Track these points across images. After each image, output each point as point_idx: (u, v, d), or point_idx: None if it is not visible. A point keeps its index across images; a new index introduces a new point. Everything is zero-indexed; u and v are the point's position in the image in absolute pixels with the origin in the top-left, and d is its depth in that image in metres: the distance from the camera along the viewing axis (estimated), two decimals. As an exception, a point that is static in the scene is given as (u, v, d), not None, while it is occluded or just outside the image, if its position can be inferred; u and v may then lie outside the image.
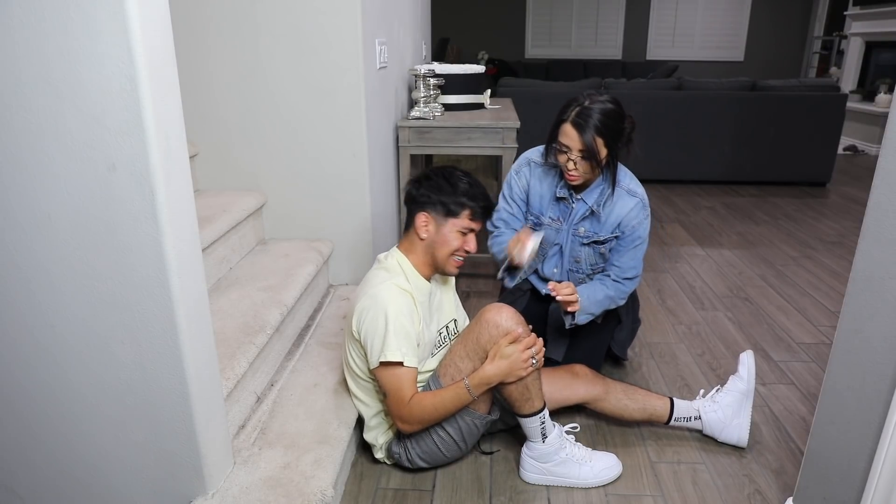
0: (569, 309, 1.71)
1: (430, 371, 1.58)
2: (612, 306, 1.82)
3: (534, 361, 1.46)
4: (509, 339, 1.45)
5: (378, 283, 1.49)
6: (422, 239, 1.53)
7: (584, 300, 1.73)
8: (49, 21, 0.97)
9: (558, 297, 1.65)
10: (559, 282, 1.85)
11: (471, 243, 1.54)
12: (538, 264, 1.92)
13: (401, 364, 1.42)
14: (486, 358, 1.46)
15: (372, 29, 2.22)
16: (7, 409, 1.24)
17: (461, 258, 1.55)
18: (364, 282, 1.56)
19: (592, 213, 1.76)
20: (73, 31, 0.97)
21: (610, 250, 1.80)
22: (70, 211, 1.07)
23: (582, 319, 1.76)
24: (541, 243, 1.83)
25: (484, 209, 1.53)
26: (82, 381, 1.20)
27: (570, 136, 1.63)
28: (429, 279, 1.58)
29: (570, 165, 1.66)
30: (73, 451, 1.27)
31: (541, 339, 1.51)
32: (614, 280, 1.80)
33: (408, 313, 1.45)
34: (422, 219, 1.52)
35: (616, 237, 1.78)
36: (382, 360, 1.42)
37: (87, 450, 1.26)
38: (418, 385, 1.54)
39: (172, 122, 1.08)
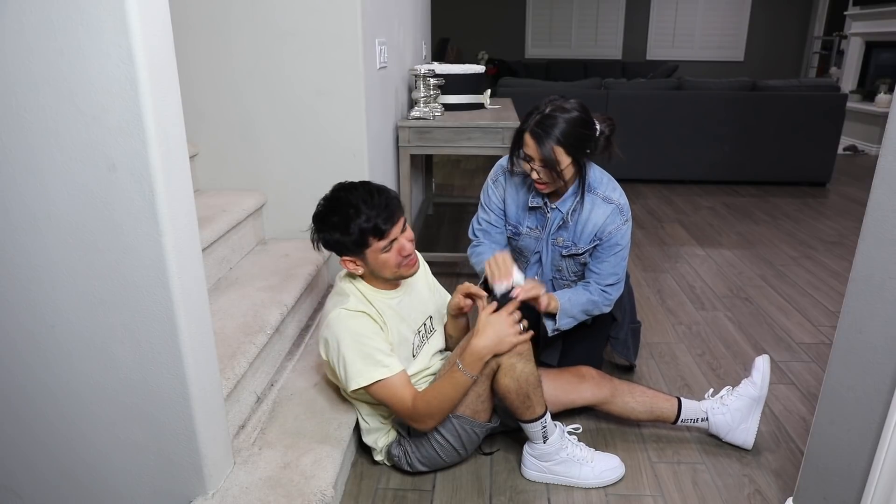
0: (540, 306, 1.64)
1: (419, 373, 1.58)
2: (597, 312, 1.77)
3: (521, 327, 1.43)
4: (489, 312, 1.43)
5: (330, 310, 1.47)
6: (360, 275, 1.50)
7: (564, 302, 1.70)
8: (49, 21, 0.97)
9: (521, 297, 1.54)
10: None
11: (404, 248, 1.44)
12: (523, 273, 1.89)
13: (376, 382, 1.41)
14: (486, 367, 1.44)
15: (372, 29, 2.22)
16: (6, 409, 1.24)
17: (408, 261, 1.47)
18: (325, 307, 1.54)
19: (565, 221, 1.73)
20: (73, 30, 0.97)
21: (590, 255, 1.76)
22: (70, 211, 1.07)
23: (565, 324, 1.72)
24: (522, 251, 1.82)
25: (385, 220, 1.39)
26: (82, 382, 1.20)
27: (529, 145, 1.60)
28: (392, 288, 1.54)
29: (535, 175, 1.63)
30: (73, 451, 1.27)
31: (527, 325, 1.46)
32: (596, 285, 1.75)
33: (365, 331, 1.43)
34: (346, 263, 1.47)
35: (595, 246, 1.73)
36: (352, 388, 1.43)
37: (86, 450, 1.26)
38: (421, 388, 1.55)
39: (172, 122, 1.08)
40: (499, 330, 1.41)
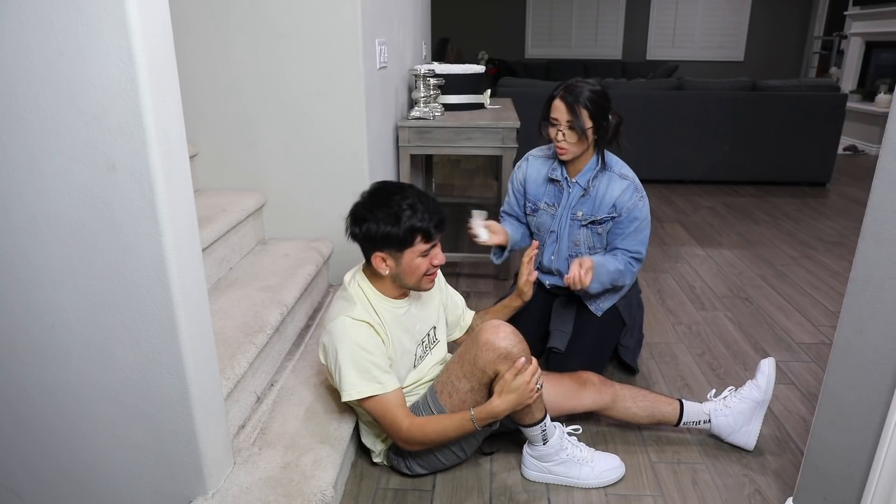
0: (574, 281, 1.74)
1: (414, 383, 1.57)
2: (620, 282, 1.88)
3: (538, 386, 1.44)
4: (514, 373, 1.40)
5: (334, 316, 1.45)
6: (384, 275, 1.48)
7: (596, 266, 1.78)
8: (49, 21, 0.97)
9: (577, 277, 1.71)
10: (557, 270, 1.94)
11: (437, 257, 1.47)
12: (540, 256, 1.98)
13: (368, 397, 1.41)
14: (484, 377, 1.44)
15: (372, 29, 2.22)
16: (6, 409, 1.24)
17: (433, 274, 1.49)
18: (328, 309, 1.53)
19: (585, 191, 1.86)
20: (73, 31, 0.97)
21: (608, 232, 1.88)
22: (70, 211, 1.07)
23: (594, 287, 1.82)
24: (538, 228, 1.97)
25: (437, 225, 1.43)
26: (82, 382, 1.20)
27: (558, 108, 1.78)
28: (402, 297, 1.54)
29: (560, 137, 1.80)
30: (73, 452, 1.27)
31: (536, 361, 1.46)
32: (623, 256, 1.87)
33: (366, 344, 1.41)
34: (378, 259, 1.44)
35: (612, 217, 1.86)
36: (347, 399, 1.42)
37: (86, 450, 1.26)
38: (415, 398, 1.55)
39: (172, 122, 1.08)
40: (520, 395, 1.40)
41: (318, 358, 1.83)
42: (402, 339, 1.52)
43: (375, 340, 1.44)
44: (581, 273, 1.71)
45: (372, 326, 1.44)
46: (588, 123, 1.76)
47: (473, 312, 1.82)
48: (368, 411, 1.45)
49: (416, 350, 1.57)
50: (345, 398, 1.42)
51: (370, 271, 1.51)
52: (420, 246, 1.42)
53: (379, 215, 1.40)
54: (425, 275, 1.47)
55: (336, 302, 1.52)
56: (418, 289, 1.51)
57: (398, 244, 1.41)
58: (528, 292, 1.77)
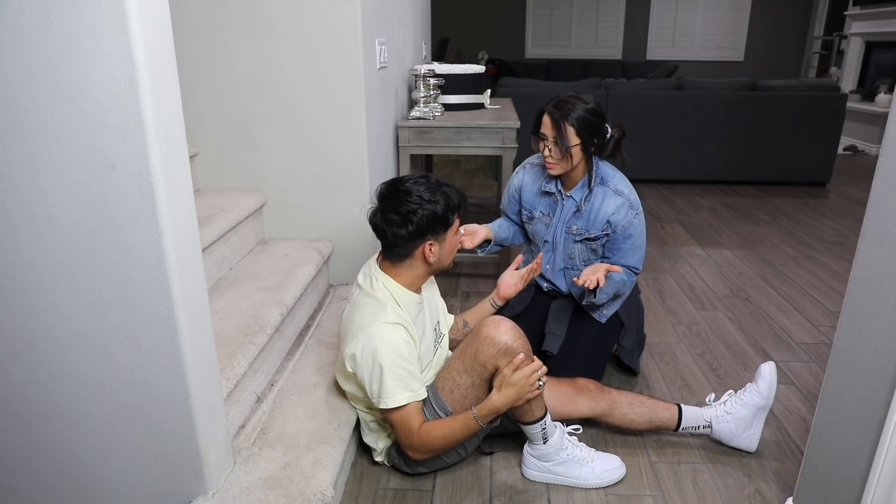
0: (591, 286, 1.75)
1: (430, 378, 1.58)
2: (622, 291, 1.89)
3: (540, 383, 1.44)
4: (513, 368, 1.41)
5: (367, 323, 1.41)
6: (430, 263, 1.48)
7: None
8: (49, 21, 0.97)
9: (589, 285, 1.71)
10: (550, 280, 1.96)
11: (458, 231, 1.56)
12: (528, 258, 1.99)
13: (402, 406, 1.41)
14: (485, 372, 1.45)
15: (372, 29, 2.22)
16: (6, 409, 1.24)
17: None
18: (351, 313, 1.49)
19: (579, 207, 1.86)
20: (74, 31, 0.97)
21: (603, 246, 1.87)
22: (70, 211, 1.07)
23: (601, 299, 1.83)
24: (534, 236, 1.99)
25: (465, 201, 1.52)
26: (82, 382, 1.20)
27: (545, 124, 1.78)
28: (418, 290, 1.55)
29: (546, 153, 1.80)
30: (73, 452, 1.27)
31: (541, 361, 1.48)
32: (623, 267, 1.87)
33: (404, 351, 1.41)
34: (427, 248, 1.45)
35: (607, 234, 1.85)
36: (383, 407, 1.42)
37: (86, 450, 1.26)
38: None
39: (172, 122, 1.08)
40: (520, 390, 1.42)
41: (317, 359, 1.84)
42: (425, 332, 1.55)
43: (410, 345, 1.44)
44: (593, 276, 1.70)
45: (405, 327, 1.44)
46: (574, 141, 1.75)
47: (453, 316, 1.83)
48: (390, 418, 1.46)
49: (433, 343, 1.59)
50: (383, 407, 1.42)
51: (392, 267, 1.49)
52: (456, 221, 1.50)
53: (435, 198, 1.42)
54: (454, 251, 1.55)
55: (362, 307, 1.46)
56: (448, 267, 1.56)
57: (445, 225, 1.46)
58: (507, 292, 1.78)
